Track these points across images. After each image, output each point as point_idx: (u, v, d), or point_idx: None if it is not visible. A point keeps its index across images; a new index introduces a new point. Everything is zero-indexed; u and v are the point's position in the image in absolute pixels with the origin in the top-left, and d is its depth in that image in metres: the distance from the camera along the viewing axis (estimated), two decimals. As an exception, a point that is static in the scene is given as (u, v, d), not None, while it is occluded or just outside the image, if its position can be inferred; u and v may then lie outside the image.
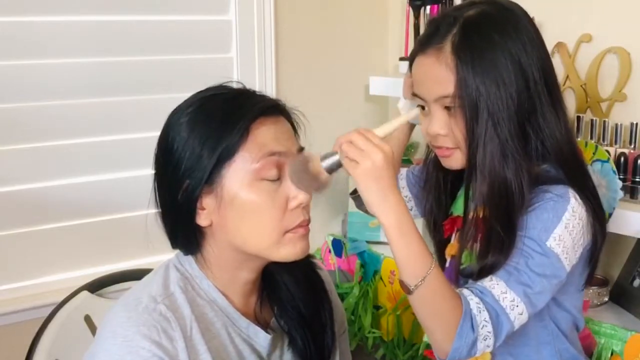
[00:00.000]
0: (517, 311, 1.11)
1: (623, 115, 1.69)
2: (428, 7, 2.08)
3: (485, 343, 1.10)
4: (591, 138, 1.67)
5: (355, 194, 1.51)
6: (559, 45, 1.79)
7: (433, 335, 1.11)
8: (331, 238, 2.24)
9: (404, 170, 1.50)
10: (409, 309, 1.96)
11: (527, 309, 1.12)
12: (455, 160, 1.21)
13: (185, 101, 1.10)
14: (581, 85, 1.76)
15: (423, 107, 1.22)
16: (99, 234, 1.97)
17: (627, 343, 1.50)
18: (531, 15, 1.52)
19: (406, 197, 1.46)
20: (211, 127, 1.04)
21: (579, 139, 1.68)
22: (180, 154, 1.05)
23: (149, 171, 1.11)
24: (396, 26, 2.38)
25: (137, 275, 1.64)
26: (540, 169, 1.18)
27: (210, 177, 1.03)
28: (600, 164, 1.57)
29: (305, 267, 1.22)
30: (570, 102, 1.76)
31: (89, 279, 1.70)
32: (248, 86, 1.13)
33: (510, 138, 1.14)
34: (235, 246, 1.07)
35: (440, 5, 2.06)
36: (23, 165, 1.85)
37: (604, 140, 1.66)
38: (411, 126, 1.45)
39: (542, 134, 1.17)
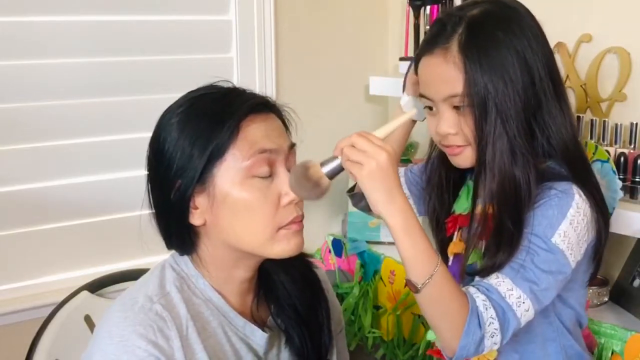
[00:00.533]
0: (523, 308, 1.11)
1: (623, 115, 1.69)
2: (428, 7, 2.08)
3: (493, 340, 1.10)
4: (591, 138, 1.67)
5: (351, 191, 1.51)
6: (559, 45, 1.79)
7: (441, 334, 1.12)
8: (331, 238, 2.24)
9: (401, 169, 1.50)
10: (408, 308, 1.96)
11: (533, 306, 1.12)
12: (465, 158, 1.21)
13: (176, 102, 1.10)
14: (581, 85, 1.76)
15: (430, 108, 1.22)
16: (99, 234, 1.97)
17: (627, 343, 1.50)
18: (531, 15, 1.53)
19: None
20: (201, 127, 1.04)
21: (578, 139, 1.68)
22: (171, 154, 1.05)
23: (145, 170, 1.12)
24: (396, 26, 2.38)
25: (137, 275, 1.64)
26: (545, 165, 1.19)
27: (201, 176, 1.04)
28: (600, 164, 1.56)
29: (301, 266, 1.23)
30: (571, 102, 1.76)
31: (89, 279, 1.71)
32: (246, 86, 1.13)
33: (519, 135, 1.15)
34: (230, 244, 1.08)
35: (440, 5, 2.06)
36: (23, 165, 1.85)
37: (603, 140, 1.66)
38: (411, 124, 1.45)
39: (548, 130, 1.18)
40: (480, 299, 1.11)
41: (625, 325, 1.54)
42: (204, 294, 1.10)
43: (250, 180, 1.04)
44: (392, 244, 2.25)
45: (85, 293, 1.66)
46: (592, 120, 1.68)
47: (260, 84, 2.12)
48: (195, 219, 1.07)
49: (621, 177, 1.57)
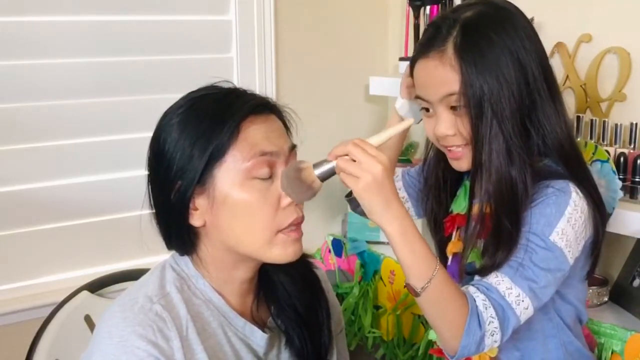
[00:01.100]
0: (522, 306, 1.13)
1: (623, 115, 1.69)
2: (428, 7, 2.07)
3: (493, 339, 1.12)
4: (591, 138, 1.67)
5: (349, 196, 1.52)
6: (559, 45, 1.79)
7: (441, 334, 1.13)
8: (331, 238, 2.24)
9: (399, 171, 1.51)
10: (408, 308, 1.96)
11: (532, 304, 1.14)
12: (466, 161, 1.22)
13: (176, 102, 1.10)
14: (581, 85, 1.76)
15: (427, 110, 1.23)
16: (99, 234, 1.97)
17: (627, 343, 1.50)
18: (531, 15, 1.53)
19: (403, 197, 1.46)
20: (201, 127, 1.04)
21: (578, 139, 1.68)
22: (171, 155, 1.05)
23: (146, 171, 1.12)
24: (396, 26, 2.38)
25: (137, 275, 1.64)
26: (541, 164, 1.20)
27: (201, 177, 1.04)
28: (600, 164, 1.56)
29: (301, 266, 1.23)
30: (570, 102, 1.76)
31: (89, 279, 1.71)
32: (247, 86, 1.13)
33: (514, 135, 1.16)
34: (229, 246, 1.08)
35: (440, 5, 2.06)
36: (23, 165, 1.85)
37: (603, 140, 1.66)
38: (407, 127, 1.45)
39: (543, 130, 1.19)
40: (480, 299, 1.12)
41: (625, 325, 1.54)
42: (204, 294, 1.10)
43: (250, 181, 1.04)
44: (392, 244, 2.24)
45: (85, 293, 1.66)
46: (592, 120, 1.68)
47: (260, 84, 2.12)
48: (195, 220, 1.07)
49: (621, 177, 1.57)
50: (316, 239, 2.23)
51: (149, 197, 1.11)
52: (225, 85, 1.12)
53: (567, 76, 1.78)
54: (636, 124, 1.62)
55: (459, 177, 1.33)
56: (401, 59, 2.21)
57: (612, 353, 1.52)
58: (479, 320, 1.10)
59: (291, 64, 2.20)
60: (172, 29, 2.01)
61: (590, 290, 1.66)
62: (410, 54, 2.18)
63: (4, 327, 1.82)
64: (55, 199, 1.90)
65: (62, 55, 1.87)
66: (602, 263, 1.76)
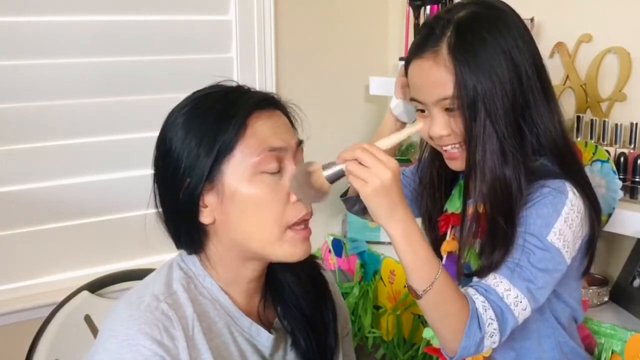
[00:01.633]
0: (520, 307, 1.13)
1: (623, 115, 1.69)
2: (428, 7, 2.07)
3: (492, 340, 1.13)
4: (591, 138, 1.67)
5: (344, 196, 1.52)
6: (559, 45, 1.79)
7: (442, 335, 1.14)
8: (331, 238, 2.24)
9: None
10: (408, 308, 1.96)
11: (530, 304, 1.14)
12: (462, 161, 1.22)
13: (181, 102, 1.10)
14: (581, 85, 1.76)
15: (422, 110, 1.23)
16: (99, 234, 1.97)
17: (627, 343, 1.50)
18: (531, 16, 1.53)
19: None
20: (207, 125, 1.04)
21: (579, 139, 1.68)
22: (179, 154, 1.05)
23: (150, 171, 1.12)
24: (396, 26, 2.38)
25: (137, 275, 1.65)
26: (536, 164, 1.20)
27: (210, 174, 1.04)
28: (600, 164, 1.57)
29: (309, 267, 1.23)
30: (570, 102, 1.76)
31: (89, 279, 1.71)
32: (247, 85, 1.12)
33: (508, 134, 1.16)
34: (238, 243, 1.07)
35: (440, 5, 2.06)
36: (23, 165, 1.85)
37: (603, 140, 1.66)
38: (401, 126, 1.46)
39: (537, 129, 1.19)
40: (479, 301, 1.13)
41: (625, 325, 1.54)
42: (210, 293, 1.10)
43: (259, 176, 1.04)
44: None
45: (85, 293, 1.66)
46: (592, 120, 1.68)
47: (260, 84, 2.12)
48: (205, 217, 1.06)
49: (621, 177, 1.57)
50: (316, 239, 2.22)
51: (155, 198, 1.11)
52: (229, 83, 1.12)
53: (567, 76, 1.78)
54: (636, 124, 1.62)
55: (453, 176, 1.34)
56: (401, 59, 2.21)
57: (612, 353, 1.52)
58: (479, 322, 1.11)
59: (291, 64, 2.20)
60: (172, 29, 2.01)
61: (590, 290, 1.66)
62: (410, 54, 2.19)
63: (4, 327, 1.82)
64: (56, 199, 1.90)
65: (62, 55, 1.87)
66: (602, 263, 1.76)
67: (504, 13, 1.20)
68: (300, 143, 1.11)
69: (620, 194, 1.53)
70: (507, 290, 1.13)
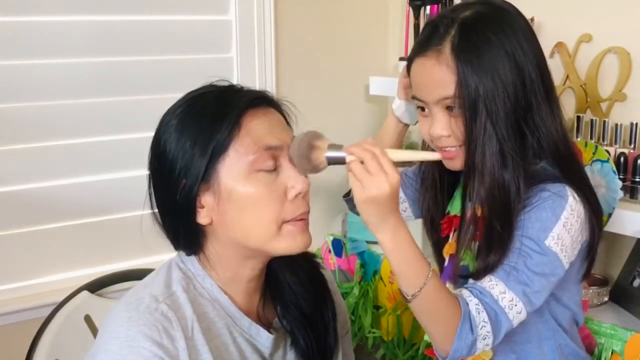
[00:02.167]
0: (515, 310, 1.13)
1: (623, 115, 1.69)
2: (428, 7, 2.07)
3: (485, 342, 1.12)
4: (591, 138, 1.67)
5: (347, 196, 1.52)
6: (559, 45, 1.79)
7: (433, 338, 1.14)
8: (331, 238, 2.24)
9: None
10: (409, 308, 1.96)
11: (525, 308, 1.14)
12: (460, 161, 1.22)
13: (174, 104, 1.10)
14: (581, 85, 1.76)
15: (423, 109, 1.22)
16: (99, 234, 1.97)
17: (627, 343, 1.50)
18: (531, 16, 1.53)
19: (400, 198, 1.46)
20: (201, 125, 1.04)
21: (579, 139, 1.68)
22: (174, 155, 1.05)
23: (147, 172, 1.11)
24: (396, 26, 2.38)
25: (137, 275, 1.65)
26: (536, 167, 1.19)
27: (206, 174, 1.04)
28: (600, 164, 1.57)
29: (308, 266, 1.23)
30: (570, 102, 1.76)
31: (89, 279, 1.71)
32: (247, 86, 1.12)
33: (508, 137, 1.15)
34: (237, 241, 1.07)
35: (440, 5, 2.06)
36: (23, 165, 1.85)
37: (603, 140, 1.66)
38: (404, 128, 1.45)
39: (538, 132, 1.19)
40: (473, 303, 1.12)
41: (625, 325, 1.54)
42: (210, 294, 1.10)
43: (255, 174, 1.04)
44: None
45: (85, 293, 1.66)
46: (592, 120, 1.68)
47: (260, 84, 2.12)
48: (202, 217, 1.06)
49: (621, 177, 1.57)
50: (316, 239, 2.22)
51: (151, 199, 1.11)
52: (222, 83, 1.12)
53: (567, 76, 1.78)
54: (636, 124, 1.62)
55: (455, 177, 1.33)
56: (401, 59, 2.21)
57: (612, 353, 1.52)
58: (471, 324, 1.11)
59: (291, 64, 2.20)
60: (172, 29, 2.01)
61: (590, 290, 1.66)
62: (410, 54, 2.19)
63: (4, 327, 1.82)
64: (55, 199, 1.90)
65: (62, 55, 1.87)
66: (602, 263, 1.76)
67: (509, 14, 1.19)
68: None
69: (620, 194, 1.53)
70: (502, 293, 1.13)
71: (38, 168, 1.87)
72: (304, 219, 1.08)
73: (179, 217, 1.07)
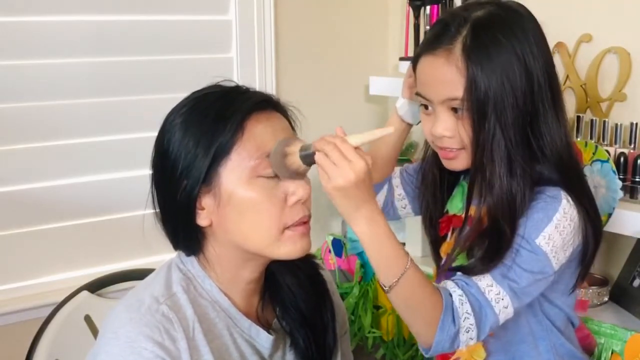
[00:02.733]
0: (502, 304, 1.12)
1: (623, 115, 1.69)
2: (428, 7, 2.07)
3: (468, 335, 1.12)
4: (591, 138, 1.67)
5: None
6: (559, 45, 1.79)
7: (415, 330, 1.14)
8: (331, 238, 2.24)
9: (397, 169, 1.51)
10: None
11: (512, 303, 1.13)
12: (459, 162, 1.21)
13: (179, 103, 1.10)
14: (581, 85, 1.76)
15: (426, 107, 1.22)
16: (99, 234, 1.97)
17: (627, 343, 1.50)
18: (531, 16, 1.52)
19: (399, 195, 1.46)
20: (204, 126, 1.04)
21: (579, 139, 1.68)
22: (176, 155, 1.04)
23: (149, 171, 1.11)
24: (396, 26, 2.38)
25: (137, 275, 1.65)
26: (534, 170, 1.18)
27: (207, 176, 1.03)
28: (600, 164, 1.57)
29: (307, 267, 1.22)
30: (570, 102, 1.76)
31: (89, 279, 1.71)
32: (246, 85, 1.12)
33: (516, 143, 1.14)
34: (236, 245, 1.07)
35: (440, 5, 2.06)
36: (23, 165, 1.85)
37: (603, 140, 1.66)
38: (407, 127, 1.45)
39: (543, 139, 1.18)
40: (456, 294, 1.12)
41: (625, 325, 1.54)
42: (210, 295, 1.10)
43: (256, 179, 1.04)
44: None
45: (85, 293, 1.66)
46: (592, 120, 1.68)
47: (260, 84, 2.12)
48: (202, 219, 1.06)
49: (621, 177, 1.57)
50: (316, 239, 2.22)
51: (153, 198, 1.11)
52: (228, 84, 1.11)
53: (567, 76, 1.78)
54: (636, 124, 1.62)
55: (455, 176, 1.33)
56: (401, 59, 2.21)
57: (612, 353, 1.52)
58: (453, 316, 1.10)
59: (291, 64, 2.20)
60: (172, 29, 2.01)
61: (590, 290, 1.66)
62: (410, 53, 2.19)
63: (4, 327, 1.82)
64: (55, 199, 1.90)
65: (62, 55, 1.86)
66: (602, 263, 1.76)
67: (521, 17, 1.18)
68: None
69: (620, 194, 1.53)
70: (489, 286, 1.12)
71: (38, 168, 1.87)
72: (305, 223, 1.08)
73: (179, 218, 1.07)
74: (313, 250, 2.26)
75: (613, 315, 1.62)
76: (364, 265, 2.13)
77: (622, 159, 1.60)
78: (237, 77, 2.10)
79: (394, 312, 2.00)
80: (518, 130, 1.15)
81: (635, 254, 1.67)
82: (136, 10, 1.95)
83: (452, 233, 1.31)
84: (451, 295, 1.12)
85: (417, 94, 1.23)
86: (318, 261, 1.28)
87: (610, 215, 1.55)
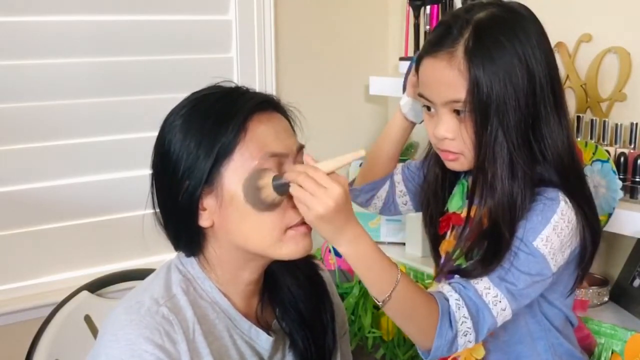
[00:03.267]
0: (499, 307, 1.13)
1: (623, 115, 1.69)
2: (428, 7, 2.07)
3: (466, 338, 1.12)
4: (591, 138, 1.67)
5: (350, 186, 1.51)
6: (559, 45, 1.79)
7: (413, 338, 1.15)
8: (331, 238, 2.23)
9: (399, 166, 1.51)
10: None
11: (510, 305, 1.13)
12: (460, 164, 1.22)
13: (179, 104, 1.09)
14: (581, 85, 1.76)
15: (429, 108, 1.22)
16: (99, 234, 1.97)
17: (627, 343, 1.50)
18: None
19: (401, 191, 1.47)
20: (206, 127, 1.03)
21: (579, 139, 1.68)
22: (177, 156, 1.04)
23: (149, 171, 1.11)
24: (396, 26, 2.38)
25: (137, 275, 1.65)
26: (535, 172, 1.18)
27: (209, 177, 1.03)
28: (600, 164, 1.57)
29: (307, 268, 1.22)
30: (570, 102, 1.76)
31: (89, 279, 1.71)
32: (246, 86, 1.11)
33: (518, 146, 1.14)
34: (238, 246, 1.07)
35: (440, 5, 2.06)
36: (23, 165, 1.85)
37: (604, 140, 1.66)
38: (411, 126, 1.45)
39: (544, 143, 1.17)
40: (453, 298, 1.12)
41: (625, 325, 1.54)
42: (210, 296, 1.09)
43: None
44: (393, 243, 2.25)
45: (85, 293, 1.66)
46: (592, 120, 1.68)
47: (260, 84, 2.12)
48: (204, 220, 1.05)
49: (621, 177, 1.57)
50: (316, 239, 2.23)
51: (153, 199, 1.10)
52: (228, 84, 1.11)
53: (567, 76, 1.78)
54: (636, 124, 1.62)
55: (457, 175, 1.32)
56: (401, 59, 2.21)
57: (612, 353, 1.52)
58: (450, 320, 1.10)
59: (291, 64, 2.20)
60: (172, 29, 2.01)
61: (590, 290, 1.66)
62: (410, 54, 2.19)
63: (4, 327, 1.82)
64: (55, 199, 1.90)
65: (62, 55, 1.87)
66: (602, 263, 1.76)
67: (523, 18, 1.17)
68: (301, 148, 1.09)
69: (620, 194, 1.53)
70: (486, 289, 1.12)
71: (38, 168, 1.87)
72: (306, 223, 1.07)
73: (181, 219, 1.06)
74: (313, 250, 2.26)
75: (613, 315, 1.62)
76: (364, 265, 2.12)
77: (622, 159, 1.60)
78: (237, 77, 2.10)
79: (394, 312, 2.00)
80: (520, 133, 1.14)
81: (635, 254, 1.67)
82: (136, 10, 1.95)
83: (452, 231, 1.31)
84: (448, 300, 1.12)
85: (420, 95, 1.23)
86: (318, 261, 1.28)
87: (610, 215, 1.55)
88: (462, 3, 1.94)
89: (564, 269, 1.20)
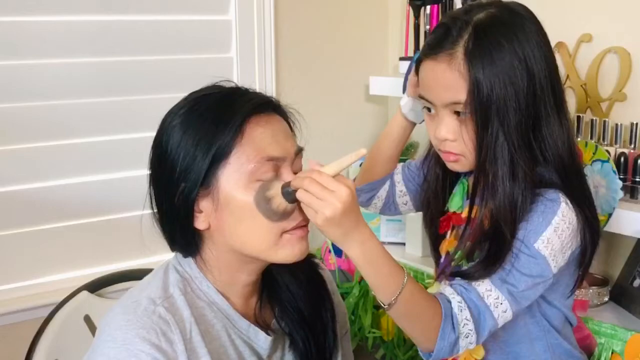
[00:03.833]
0: (501, 309, 1.13)
1: (623, 115, 1.69)
2: (428, 7, 2.08)
3: (468, 340, 1.12)
4: (591, 138, 1.67)
5: None
6: (559, 45, 1.79)
7: (416, 340, 1.15)
8: (331, 238, 2.24)
9: (399, 165, 1.51)
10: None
11: (511, 307, 1.14)
12: (461, 165, 1.22)
13: (177, 103, 1.08)
14: (581, 85, 1.76)
15: (429, 109, 1.22)
16: (99, 234, 1.97)
17: (627, 343, 1.50)
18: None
19: (401, 191, 1.47)
20: (204, 127, 1.03)
21: (579, 139, 1.68)
22: (174, 157, 1.03)
23: (148, 171, 1.11)
24: (396, 26, 2.38)
25: (137, 275, 1.65)
26: (535, 173, 1.18)
27: (205, 179, 1.02)
28: (600, 164, 1.57)
29: (307, 267, 1.21)
30: (570, 102, 1.76)
31: (89, 279, 1.71)
32: (246, 86, 1.11)
33: (519, 147, 1.14)
34: (234, 249, 1.06)
35: (440, 5, 2.06)
36: (23, 165, 1.85)
37: (604, 140, 1.66)
38: (411, 126, 1.45)
39: (545, 143, 1.17)
40: (455, 301, 1.12)
41: (625, 325, 1.54)
42: (207, 296, 1.09)
43: (254, 184, 1.02)
44: (393, 243, 2.25)
45: (85, 293, 1.66)
46: (592, 120, 1.68)
47: (260, 84, 2.12)
48: (200, 222, 1.05)
49: (621, 177, 1.57)
50: (316, 239, 2.23)
51: (151, 199, 1.10)
52: (227, 84, 1.10)
53: (567, 76, 1.78)
54: (636, 123, 1.62)
55: (457, 174, 1.32)
56: (401, 59, 2.21)
57: (612, 353, 1.52)
58: (452, 323, 1.11)
59: (291, 64, 2.20)
60: (172, 29, 2.01)
61: (591, 290, 1.66)
62: (410, 53, 2.19)
63: (4, 327, 1.82)
64: (55, 199, 1.90)
65: (62, 55, 1.87)
66: (602, 263, 1.76)
67: (523, 19, 1.17)
68: (299, 151, 1.09)
69: (621, 194, 1.53)
70: (488, 291, 1.13)
71: (38, 168, 1.87)
72: (303, 226, 1.07)
73: (177, 220, 1.06)
74: (313, 250, 2.26)
75: (613, 315, 1.62)
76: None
77: (622, 159, 1.60)
78: (236, 77, 2.10)
79: (394, 312, 2.00)
80: (521, 133, 1.14)
81: (635, 254, 1.67)
82: (136, 10, 1.95)
83: (452, 231, 1.31)
84: (450, 302, 1.12)
85: (421, 96, 1.23)
86: (318, 260, 1.27)
87: (610, 215, 1.55)
88: (462, 3, 1.94)
89: (564, 269, 1.20)
